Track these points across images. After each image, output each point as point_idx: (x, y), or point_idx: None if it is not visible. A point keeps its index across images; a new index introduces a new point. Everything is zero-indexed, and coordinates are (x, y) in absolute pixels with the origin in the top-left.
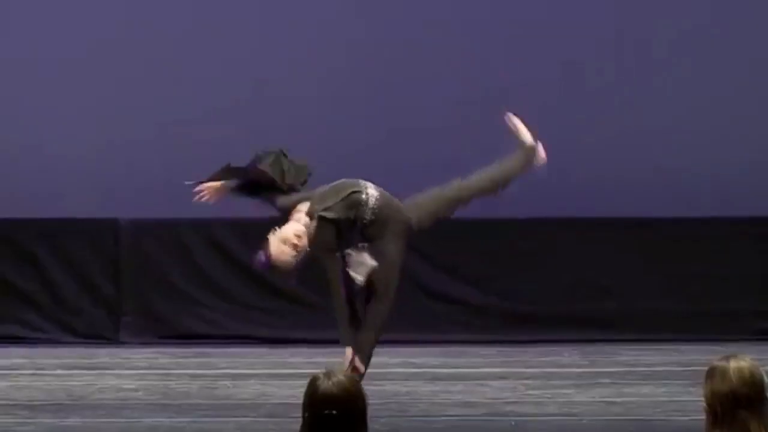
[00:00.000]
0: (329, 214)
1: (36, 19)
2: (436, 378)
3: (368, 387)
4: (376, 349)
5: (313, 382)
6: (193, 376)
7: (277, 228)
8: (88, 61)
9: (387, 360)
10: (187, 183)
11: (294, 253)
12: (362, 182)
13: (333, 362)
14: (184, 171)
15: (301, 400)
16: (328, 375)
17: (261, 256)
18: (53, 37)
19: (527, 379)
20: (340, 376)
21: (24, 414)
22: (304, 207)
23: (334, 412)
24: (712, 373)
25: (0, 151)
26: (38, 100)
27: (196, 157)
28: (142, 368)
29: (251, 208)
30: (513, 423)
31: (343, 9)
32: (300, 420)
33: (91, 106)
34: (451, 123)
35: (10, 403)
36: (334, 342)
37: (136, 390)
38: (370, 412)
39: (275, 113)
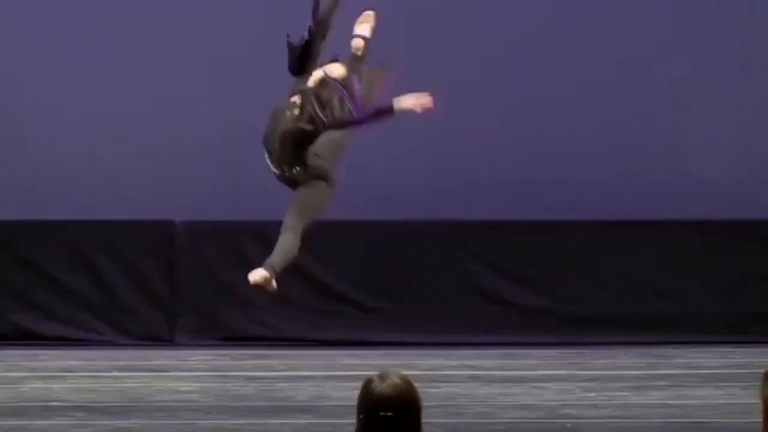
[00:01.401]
0: None
1: (94, 27)
2: (493, 380)
3: (425, 390)
4: (434, 352)
5: (368, 384)
6: (250, 378)
7: None
8: (145, 67)
9: (444, 362)
10: None
11: None
12: None
13: (388, 364)
14: (239, 175)
15: (356, 402)
16: (382, 377)
17: None
18: (112, 44)
19: (584, 381)
20: (395, 379)
21: (81, 416)
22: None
23: (389, 413)
24: (767, 376)
25: (58, 156)
26: (96, 105)
27: (251, 161)
28: (198, 370)
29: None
30: (569, 425)
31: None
32: (355, 422)
33: (148, 111)
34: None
35: (68, 405)
36: (390, 344)
37: (192, 392)
38: (428, 414)
39: None
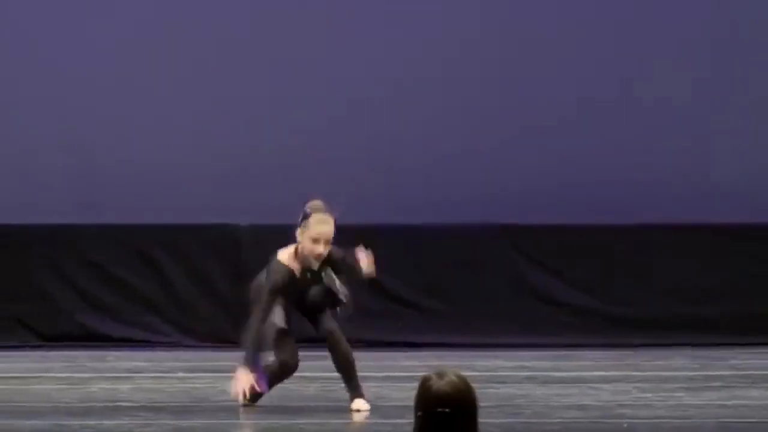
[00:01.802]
0: None
1: (160, 31)
2: (548, 381)
3: (483, 390)
4: (490, 353)
5: (426, 381)
6: (310, 379)
7: None
8: (211, 73)
9: (501, 363)
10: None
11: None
12: None
13: (445, 365)
14: (303, 178)
15: (413, 401)
16: (440, 375)
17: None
18: (177, 48)
19: (638, 382)
20: (453, 376)
21: (147, 415)
22: None
23: (447, 410)
24: None
25: (124, 160)
26: (161, 110)
27: (315, 164)
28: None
29: (373, 212)
30: (626, 425)
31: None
32: (412, 421)
33: (214, 116)
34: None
35: (134, 405)
36: (447, 346)
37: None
38: (485, 414)
39: (397, 123)
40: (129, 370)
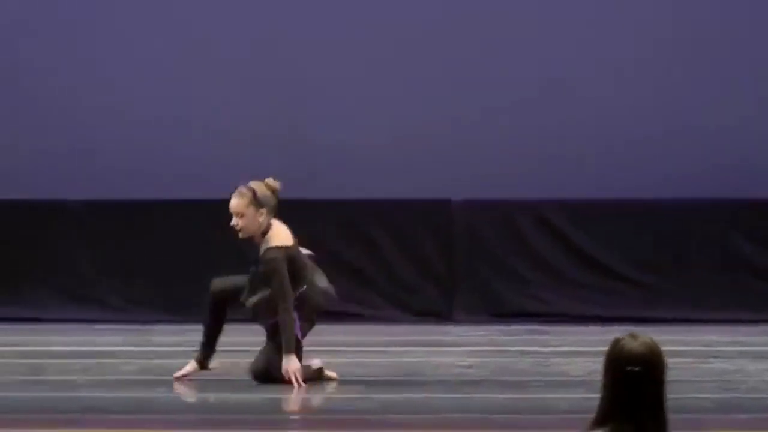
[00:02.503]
0: None
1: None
2: (763, 356)
3: (697, 365)
4: (704, 328)
5: (618, 342)
6: (525, 353)
7: None
8: (416, 44)
9: (716, 338)
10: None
11: None
12: None
13: (659, 341)
14: (515, 153)
15: (604, 361)
16: (633, 336)
17: None
18: (380, 38)
19: None
20: (645, 338)
21: (360, 389)
22: None
23: (638, 369)
24: None
25: (339, 136)
26: (379, 88)
27: (526, 139)
28: (474, 345)
29: (589, 188)
30: None
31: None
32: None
33: (426, 90)
34: None
35: (350, 378)
36: (662, 321)
37: (468, 366)
38: (700, 389)
39: (618, 98)
40: (343, 344)
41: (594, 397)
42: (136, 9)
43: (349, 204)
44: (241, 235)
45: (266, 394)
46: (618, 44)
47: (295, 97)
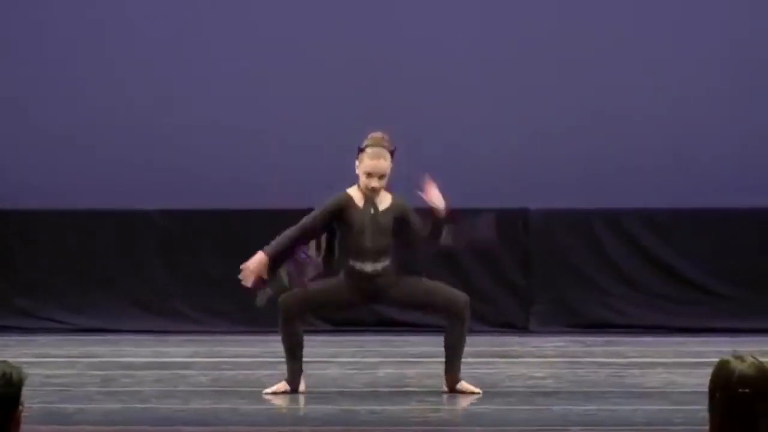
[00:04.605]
0: None
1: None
2: None
3: None
4: None
5: (726, 364)
6: (601, 365)
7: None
8: (508, 58)
9: None
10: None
11: None
12: None
13: (739, 350)
14: (593, 161)
15: (709, 385)
16: (740, 358)
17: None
18: (474, 38)
19: None
20: (752, 358)
21: (434, 400)
22: None
23: (748, 391)
24: None
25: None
26: (458, 100)
27: (606, 147)
28: (551, 356)
29: (666, 197)
30: None
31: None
32: (706, 406)
33: (503, 100)
34: None
35: (422, 390)
36: (740, 331)
37: (545, 378)
38: None
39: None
40: (416, 355)
41: (671, 408)
42: (218, 21)
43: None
44: (373, 195)
45: (337, 405)
46: (697, 56)
47: (370, 106)
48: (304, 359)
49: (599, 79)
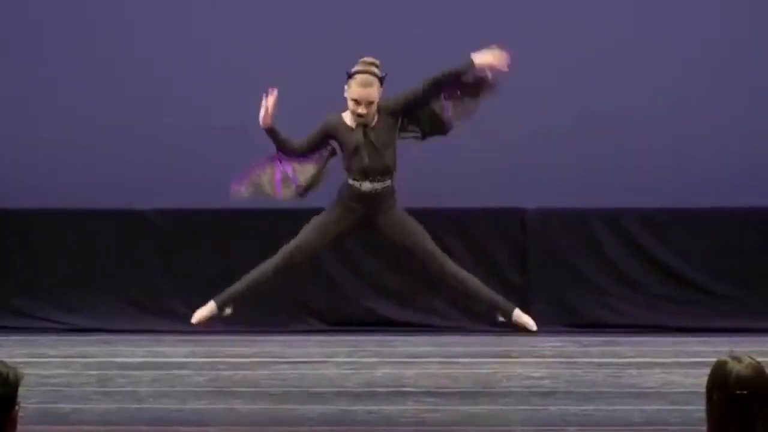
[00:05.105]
0: None
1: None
2: None
3: None
4: None
5: (723, 365)
6: (599, 365)
7: None
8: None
9: None
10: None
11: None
12: None
13: (737, 350)
14: (591, 161)
15: (706, 386)
16: (737, 359)
17: None
18: (472, 36)
19: None
20: (749, 359)
21: (431, 401)
22: None
23: (746, 392)
24: None
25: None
26: None
27: (603, 147)
28: (548, 356)
29: (665, 196)
30: None
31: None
32: (704, 407)
33: (500, 99)
34: None
35: (419, 390)
36: (738, 331)
37: (542, 378)
38: None
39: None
40: (414, 355)
41: (669, 408)
42: (217, 21)
43: (421, 213)
44: (361, 121)
45: (334, 405)
46: (696, 56)
47: None
48: (298, 359)
49: (598, 78)
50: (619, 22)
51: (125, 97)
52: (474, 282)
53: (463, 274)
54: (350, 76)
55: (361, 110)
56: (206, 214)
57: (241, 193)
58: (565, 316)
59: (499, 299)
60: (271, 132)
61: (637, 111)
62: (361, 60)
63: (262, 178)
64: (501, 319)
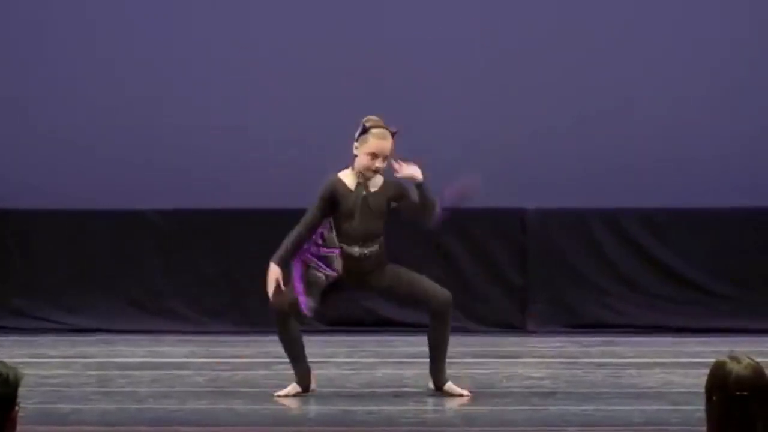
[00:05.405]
0: None
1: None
2: None
3: None
4: None
5: (722, 365)
6: (599, 365)
7: None
8: (505, 58)
9: None
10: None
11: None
12: None
13: (736, 350)
14: (591, 161)
15: (705, 386)
16: (736, 359)
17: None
18: (472, 37)
19: None
20: (748, 360)
21: (432, 401)
22: None
23: (745, 393)
24: None
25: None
26: (455, 95)
27: (603, 147)
28: (548, 356)
29: (665, 196)
30: None
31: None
32: (704, 407)
33: (499, 99)
34: None
35: (418, 390)
36: (738, 331)
37: (542, 378)
38: None
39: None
40: (413, 356)
41: (668, 408)
42: (217, 21)
43: None
44: (371, 176)
45: (334, 405)
46: (696, 56)
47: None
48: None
49: (598, 78)
50: (619, 22)
51: (125, 97)
52: (445, 341)
53: (445, 329)
54: (365, 130)
55: (379, 164)
56: (206, 214)
57: (312, 306)
58: (565, 317)
59: (443, 371)
60: (285, 266)
61: (636, 111)
62: (370, 118)
63: (314, 277)
64: (430, 386)
